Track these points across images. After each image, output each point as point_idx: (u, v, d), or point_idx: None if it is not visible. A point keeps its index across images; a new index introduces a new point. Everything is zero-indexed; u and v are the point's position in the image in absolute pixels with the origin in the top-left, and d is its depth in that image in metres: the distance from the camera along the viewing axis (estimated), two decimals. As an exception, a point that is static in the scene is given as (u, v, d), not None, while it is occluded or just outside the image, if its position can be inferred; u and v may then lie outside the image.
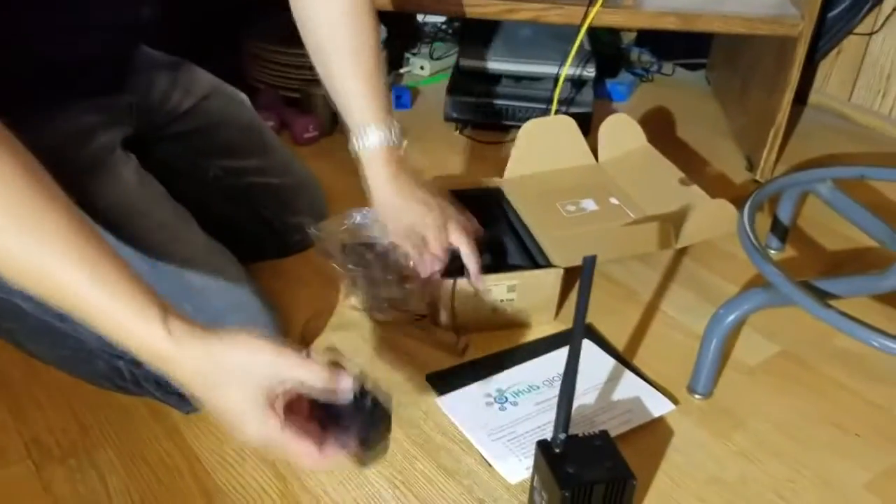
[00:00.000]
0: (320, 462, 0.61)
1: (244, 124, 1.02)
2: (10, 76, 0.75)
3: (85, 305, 0.56)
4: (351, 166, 1.19)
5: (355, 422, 0.63)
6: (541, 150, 1.15)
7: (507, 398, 0.88)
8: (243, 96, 1.07)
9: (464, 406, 0.87)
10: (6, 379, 0.88)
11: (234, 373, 0.59)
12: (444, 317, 0.95)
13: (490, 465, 0.80)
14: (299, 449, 0.60)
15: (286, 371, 0.60)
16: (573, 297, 1.02)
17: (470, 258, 0.90)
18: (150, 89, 0.97)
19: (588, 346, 0.96)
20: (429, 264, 0.89)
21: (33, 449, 0.80)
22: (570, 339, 0.68)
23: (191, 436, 0.82)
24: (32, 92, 0.81)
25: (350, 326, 0.98)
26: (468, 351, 0.95)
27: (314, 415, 0.64)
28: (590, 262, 0.64)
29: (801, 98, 1.62)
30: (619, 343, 0.98)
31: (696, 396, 0.90)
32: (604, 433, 0.73)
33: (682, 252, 1.15)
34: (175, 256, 0.82)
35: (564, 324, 1.00)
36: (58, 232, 0.55)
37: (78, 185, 0.78)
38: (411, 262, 0.90)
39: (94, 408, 0.85)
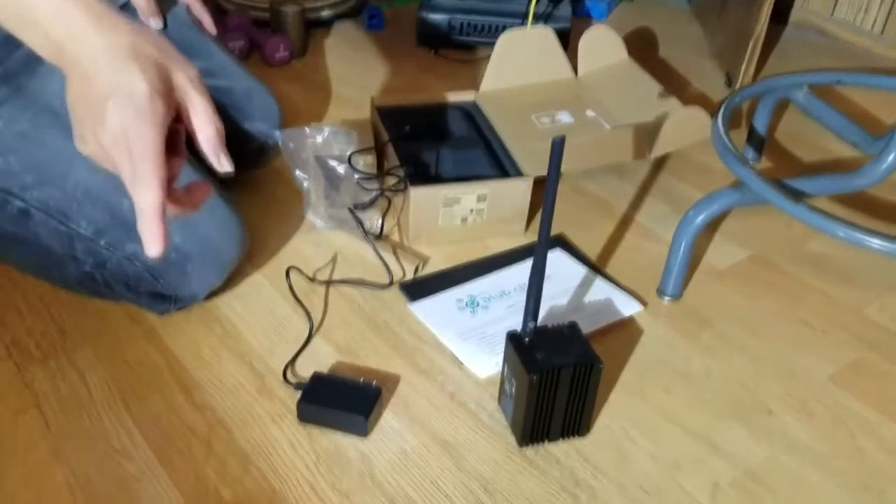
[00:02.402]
0: (155, 200, 0.57)
1: (185, 22, 0.98)
2: None
3: None
4: (323, 88, 1.18)
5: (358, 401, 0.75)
6: (518, 62, 1.14)
7: (478, 303, 0.90)
8: None
9: (436, 311, 0.89)
10: (-15, 288, 0.90)
11: (153, 52, 0.59)
12: (405, 232, 0.96)
13: (461, 364, 0.82)
14: (154, 169, 0.57)
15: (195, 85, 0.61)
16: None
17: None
18: None
19: (560, 255, 0.97)
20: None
21: (14, 350, 0.82)
22: (540, 226, 0.69)
23: (167, 336, 0.84)
24: None
25: (320, 240, 0.99)
26: (438, 262, 0.96)
27: None
28: (558, 143, 0.65)
29: (783, 17, 1.61)
30: (592, 253, 0.99)
31: (666, 298, 0.92)
32: (572, 324, 0.75)
33: (657, 165, 1.16)
34: None
35: (535, 237, 1.00)
36: None
37: (16, 85, 0.78)
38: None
39: (72, 312, 0.86)
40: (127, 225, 0.79)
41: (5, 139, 0.77)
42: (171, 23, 0.95)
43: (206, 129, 0.62)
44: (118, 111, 0.57)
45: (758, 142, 1.16)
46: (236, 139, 1.00)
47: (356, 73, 1.39)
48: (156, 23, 0.90)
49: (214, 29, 1.00)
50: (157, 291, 0.83)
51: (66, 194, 0.78)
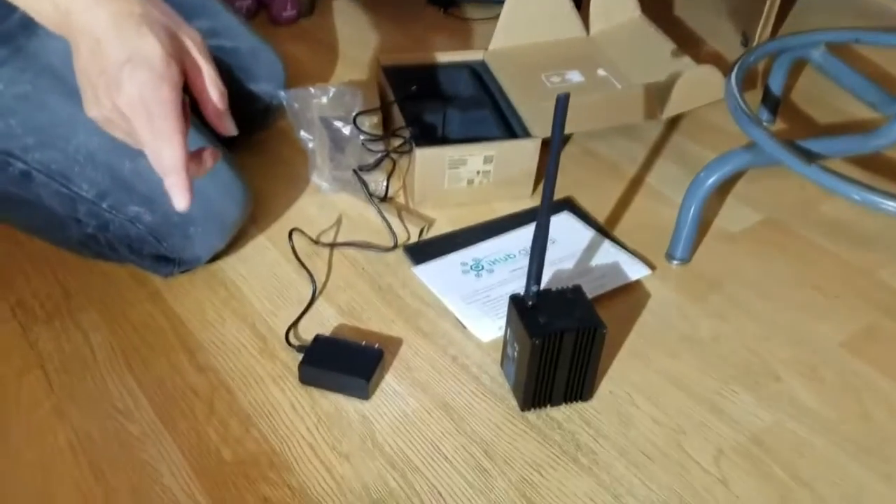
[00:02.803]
0: (181, 155, 0.61)
1: None
2: None
3: None
4: (330, 48, 1.15)
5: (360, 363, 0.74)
6: (528, 20, 1.11)
7: (482, 266, 0.89)
8: None
9: (440, 274, 0.88)
10: (-9, 249, 0.90)
11: (162, 19, 0.60)
12: (410, 194, 0.95)
13: (464, 327, 0.82)
14: (176, 127, 0.60)
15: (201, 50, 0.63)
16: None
17: None
18: None
19: (567, 218, 0.96)
20: None
21: (18, 311, 0.82)
22: (543, 186, 0.68)
23: (172, 298, 0.84)
24: None
25: (324, 202, 0.98)
26: (443, 225, 0.94)
27: None
28: (562, 99, 0.63)
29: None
30: (601, 215, 0.98)
31: (674, 262, 0.90)
32: (576, 287, 0.73)
33: (669, 125, 1.13)
34: None
35: (544, 197, 0.99)
36: None
37: (15, 46, 0.77)
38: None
39: (77, 275, 0.86)
40: (129, 187, 0.79)
41: (5, 101, 0.76)
42: None
43: (211, 93, 0.65)
44: (135, 75, 0.59)
45: (773, 102, 1.13)
46: (241, 100, 0.98)
47: (364, 32, 1.37)
48: None
49: None
50: (161, 254, 0.82)
51: (67, 156, 0.78)
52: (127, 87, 0.59)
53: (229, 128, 0.67)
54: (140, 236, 0.80)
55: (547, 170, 0.66)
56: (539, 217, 0.68)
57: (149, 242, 0.81)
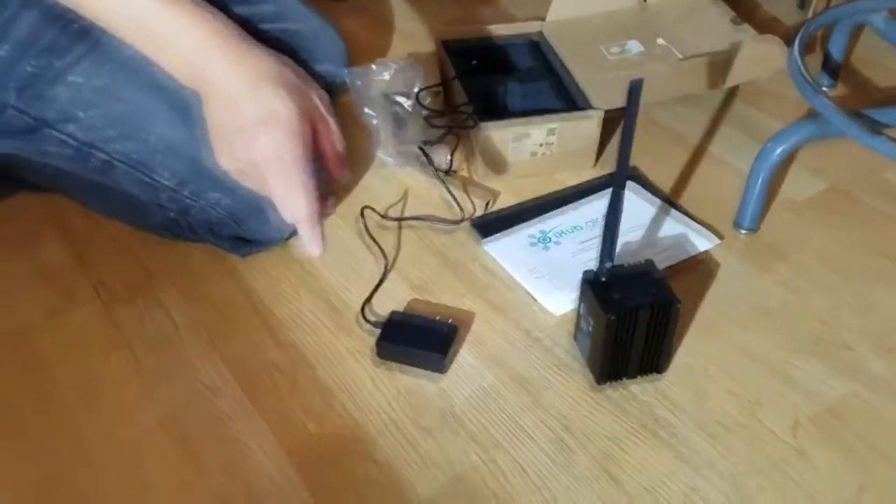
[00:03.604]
0: (313, 207, 0.68)
1: None
2: None
3: None
4: (386, 22, 1.14)
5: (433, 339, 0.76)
6: (584, -10, 1.11)
7: (549, 238, 0.90)
8: None
9: (508, 248, 0.89)
10: (70, 229, 0.92)
11: (295, 80, 0.66)
12: (474, 168, 0.96)
13: (535, 300, 0.83)
14: (308, 181, 0.67)
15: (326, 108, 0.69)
16: (615, 143, 1.02)
17: None
18: None
19: (632, 188, 0.96)
20: None
21: (101, 290, 0.85)
22: (616, 167, 0.68)
23: (248, 276, 0.86)
24: None
25: (390, 178, 0.99)
26: (507, 198, 0.95)
27: None
28: (636, 84, 0.63)
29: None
30: (666, 185, 0.98)
31: (742, 232, 0.90)
32: (649, 262, 0.74)
33: (731, 94, 1.12)
34: None
35: (605, 170, 0.99)
36: None
37: (93, 40, 0.78)
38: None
39: (156, 253, 0.89)
40: (209, 175, 0.80)
41: (85, 94, 0.78)
42: None
43: (336, 147, 0.72)
44: (271, 134, 0.65)
45: (833, 67, 1.11)
46: None
47: (420, 3, 1.36)
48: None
49: None
50: (240, 236, 0.84)
51: (147, 147, 0.79)
52: (263, 144, 0.64)
53: (346, 175, 0.75)
54: (220, 220, 0.82)
55: (620, 156, 0.66)
56: (612, 196, 0.69)
57: (228, 225, 0.83)
